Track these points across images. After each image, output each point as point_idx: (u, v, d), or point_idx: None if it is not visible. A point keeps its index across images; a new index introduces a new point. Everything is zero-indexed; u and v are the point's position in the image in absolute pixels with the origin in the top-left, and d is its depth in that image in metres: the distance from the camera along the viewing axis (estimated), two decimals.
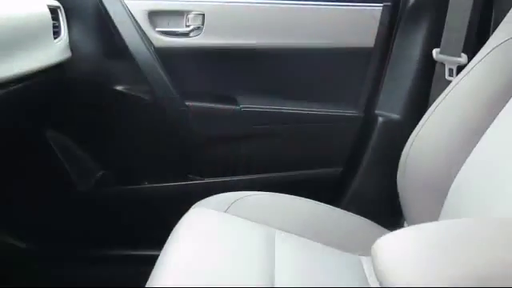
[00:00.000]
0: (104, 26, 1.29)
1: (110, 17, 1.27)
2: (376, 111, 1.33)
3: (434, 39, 1.23)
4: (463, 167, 0.95)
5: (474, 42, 1.16)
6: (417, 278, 0.45)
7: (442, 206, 0.94)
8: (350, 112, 1.36)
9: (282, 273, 0.88)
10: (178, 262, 0.87)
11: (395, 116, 1.30)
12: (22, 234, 1.40)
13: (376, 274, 0.50)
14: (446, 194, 0.96)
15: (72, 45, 1.26)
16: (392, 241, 0.49)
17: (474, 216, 0.84)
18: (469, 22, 1.18)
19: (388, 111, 1.32)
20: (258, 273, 0.86)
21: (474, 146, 0.95)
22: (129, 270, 1.25)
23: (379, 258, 0.48)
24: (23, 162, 1.33)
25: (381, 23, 1.30)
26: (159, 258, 0.90)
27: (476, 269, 0.46)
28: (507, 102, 0.92)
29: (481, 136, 0.94)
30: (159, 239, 0.96)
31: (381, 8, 1.30)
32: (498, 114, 0.93)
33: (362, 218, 1.05)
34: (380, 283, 0.50)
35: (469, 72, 1.00)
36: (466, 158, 0.96)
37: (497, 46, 0.96)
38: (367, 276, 0.92)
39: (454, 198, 0.94)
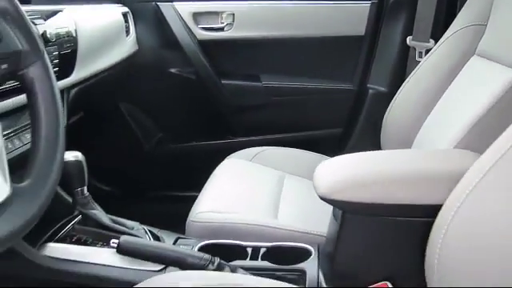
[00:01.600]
0: (160, 24, 1.51)
1: (164, 18, 1.50)
2: (367, 85, 1.54)
3: (409, 29, 1.43)
4: (422, 126, 1.16)
5: (441, 30, 1.30)
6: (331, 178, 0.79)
7: None
8: (347, 86, 1.56)
9: (285, 198, 1.14)
10: (215, 192, 1.15)
11: (382, 89, 1.51)
12: (106, 180, 1.66)
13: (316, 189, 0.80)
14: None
15: (138, 40, 1.51)
16: (324, 164, 0.83)
17: None
18: (435, 15, 1.36)
19: (376, 85, 1.53)
20: (268, 197, 1.14)
21: (432, 110, 1.15)
22: (182, 206, 1.29)
23: (316, 176, 0.82)
24: (106, 126, 1.59)
25: (369, 17, 1.50)
26: (202, 190, 1.16)
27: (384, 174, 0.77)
28: (455, 77, 1.14)
29: (437, 102, 1.15)
30: (203, 182, 1.19)
31: (369, 5, 1.50)
32: (448, 86, 1.14)
33: None
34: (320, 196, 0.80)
35: (432, 54, 1.19)
36: (426, 119, 1.16)
37: (452, 35, 1.16)
38: None
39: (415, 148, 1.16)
